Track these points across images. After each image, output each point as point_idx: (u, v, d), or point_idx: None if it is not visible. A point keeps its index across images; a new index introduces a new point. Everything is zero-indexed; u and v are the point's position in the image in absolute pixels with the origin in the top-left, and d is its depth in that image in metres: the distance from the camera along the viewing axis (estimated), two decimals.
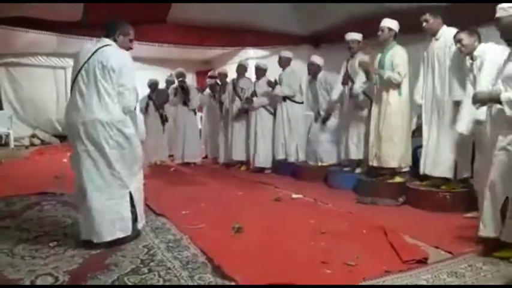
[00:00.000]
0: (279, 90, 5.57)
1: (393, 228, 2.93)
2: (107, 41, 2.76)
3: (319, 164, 5.24)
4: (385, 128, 3.99)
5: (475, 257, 2.46)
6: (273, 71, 5.95)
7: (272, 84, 5.64)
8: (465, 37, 3.14)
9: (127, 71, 2.68)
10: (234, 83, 6.30)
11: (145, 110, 6.74)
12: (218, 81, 6.94)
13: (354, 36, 4.62)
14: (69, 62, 9.80)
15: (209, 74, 7.90)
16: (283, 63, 5.69)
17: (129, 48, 2.87)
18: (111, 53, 2.68)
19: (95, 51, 2.65)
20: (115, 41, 2.78)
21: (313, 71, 5.32)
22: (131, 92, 2.70)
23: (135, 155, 2.76)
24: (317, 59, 5.33)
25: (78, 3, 5.57)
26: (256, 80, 6.02)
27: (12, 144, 8.97)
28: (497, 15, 2.53)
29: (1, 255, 2.58)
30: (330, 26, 5.76)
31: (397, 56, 3.95)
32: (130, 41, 2.89)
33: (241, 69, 6.28)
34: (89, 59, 2.64)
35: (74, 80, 2.66)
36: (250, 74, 6.36)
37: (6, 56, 8.89)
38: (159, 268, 2.35)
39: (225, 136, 6.56)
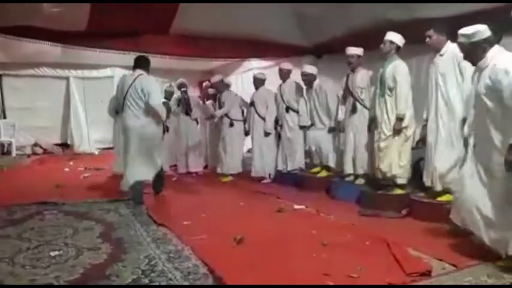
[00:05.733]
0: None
1: (396, 240, 2.92)
2: (139, 71, 4.34)
3: (323, 163, 5.22)
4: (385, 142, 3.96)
5: (480, 269, 2.43)
6: (276, 82, 5.98)
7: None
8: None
9: (156, 91, 4.27)
10: (218, 97, 6.45)
11: None
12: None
13: (353, 51, 4.49)
14: (72, 72, 9.89)
15: (204, 84, 7.91)
16: (284, 75, 5.72)
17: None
18: (145, 80, 4.25)
19: (135, 79, 4.23)
20: (147, 71, 4.39)
21: (308, 80, 5.34)
22: (161, 106, 4.27)
23: (154, 144, 4.41)
24: (309, 69, 5.33)
25: (83, 13, 5.62)
26: (255, 90, 6.05)
27: (14, 152, 9.00)
28: (459, 40, 2.63)
29: (2, 264, 2.57)
30: (331, 37, 5.81)
31: (399, 72, 3.86)
32: None
33: (221, 84, 6.41)
34: (132, 84, 4.20)
35: (124, 98, 4.25)
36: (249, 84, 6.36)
37: (10, 65, 8.95)
38: (160, 279, 2.33)
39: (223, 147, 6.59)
